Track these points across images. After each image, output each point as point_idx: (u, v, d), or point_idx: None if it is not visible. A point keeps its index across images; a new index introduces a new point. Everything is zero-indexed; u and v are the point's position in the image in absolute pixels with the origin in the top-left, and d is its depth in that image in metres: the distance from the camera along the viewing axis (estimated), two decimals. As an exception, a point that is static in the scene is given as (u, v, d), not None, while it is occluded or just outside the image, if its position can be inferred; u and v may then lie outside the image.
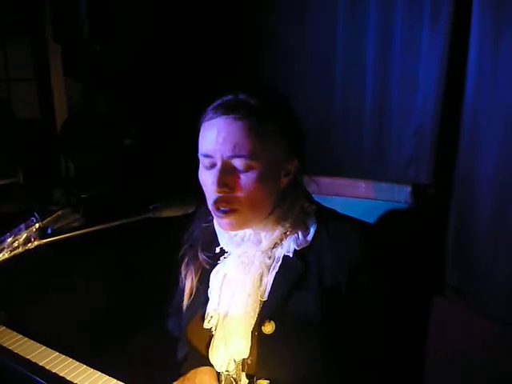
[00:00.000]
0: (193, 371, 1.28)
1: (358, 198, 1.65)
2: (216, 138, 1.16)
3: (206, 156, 1.19)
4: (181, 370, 1.33)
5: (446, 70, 2.35)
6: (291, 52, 2.85)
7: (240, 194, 1.17)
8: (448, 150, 2.38)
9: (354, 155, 2.66)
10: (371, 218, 1.55)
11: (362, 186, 1.66)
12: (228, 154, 1.15)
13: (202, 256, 1.31)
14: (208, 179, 1.19)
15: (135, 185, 3.16)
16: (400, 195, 1.55)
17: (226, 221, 1.20)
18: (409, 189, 1.53)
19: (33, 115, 3.78)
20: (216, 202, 1.18)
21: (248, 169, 1.16)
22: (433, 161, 2.45)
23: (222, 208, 1.18)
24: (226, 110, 1.17)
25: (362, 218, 1.47)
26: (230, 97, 1.20)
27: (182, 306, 1.34)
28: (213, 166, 1.18)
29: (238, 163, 1.16)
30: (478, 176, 2.31)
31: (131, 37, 3.32)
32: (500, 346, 2.28)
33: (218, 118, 1.17)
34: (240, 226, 1.22)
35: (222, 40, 3.02)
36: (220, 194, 1.17)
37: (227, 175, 1.16)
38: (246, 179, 1.16)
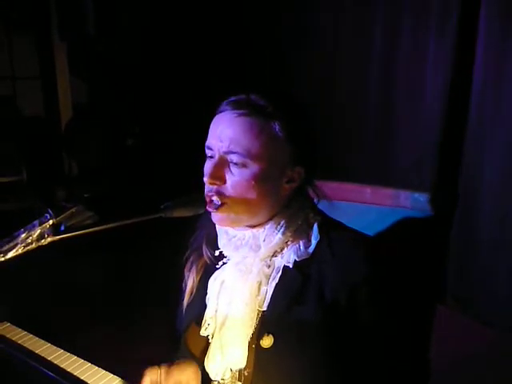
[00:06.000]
0: (181, 360, 1.26)
1: (364, 204, 1.66)
2: (217, 131, 1.18)
3: (208, 148, 1.20)
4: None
5: (451, 77, 2.37)
6: (292, 59, 2.86)
7: (230, 189, 1.17)
8: (452, 158, 2.39)
9: (357, 160, 2.67)
10: (376, 224, 1.56)
11: (368, 192, 1.67)
12: (224, 148, 1.16)
13: (205, 251, 1.30)
14: (205, 170, 1.20)
15: (137, 185, 3.16)
16: (406, 201, 1.56)
17: (216, 214, 1.20)
18: (416, 195, 1.53)
19: (37, 113, 3.79)
20: (208, 193, 1.19)
21: (243, 166, 1.16)
22: (436, 168, 2.46)
23: (213, 199, 1.18)
24: (234, 105, 1.18)
25: (366, 224, 1.47)
26: (243, 95, 1.20)
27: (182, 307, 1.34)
28: (212, 157, 1.20)
29: (234, 159, 1.16)
30: (480, 186, 2.32)
31: (136, 36, 3.32)
32: (501, 353, 2.29)
33: (225, 112, 1.19)
34: (231, 222, 1.21)
35: (226, 42, 3.02)
36: (211, 186, 1.18)
37: (221, 169, 1.17)
38: (239, 176, 1.16)
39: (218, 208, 1.18)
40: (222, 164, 1.17)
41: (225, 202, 1.17)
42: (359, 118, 2.63)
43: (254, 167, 1.16)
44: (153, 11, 3.26)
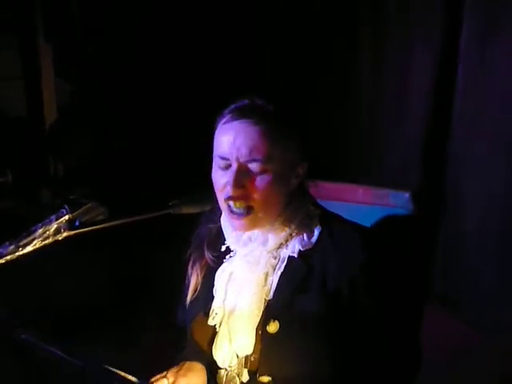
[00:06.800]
0: (186, 363, 1.31)
1: (355, 203, 1.71)
2: (233, 141, 1.22)
3: (222, 158, 1.24)
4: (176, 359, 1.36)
5: (435, 85, 2.44)
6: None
7: (254, 195, 1.22)
8: (438, 159, 2.46)
9: (344, 160, 2.72)
10: (367, 223, 1.61)
11: (360, 192, 1.72)
12: (244, 157, 1.21)
13: (208, 255, 1.35)
14: (222, 179, 1.24)
15: (127, 186, 3.17)
16: (397, 200, 1.61)
17: (240, 222, 1.25)
18: (406, 195, 1.59)
19: (21, 114, 3.77)
20: (229, 201, 1.23)
21: (263, 171, 1.22)
22: (422, 168, 2.53)
23: (235, 209, 1.23)
24: (242, 113, 1.23)
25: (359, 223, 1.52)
26: (246, 101, 1.26)
27: (186, 303, 1.39)
28: (228, 167, 1.24)
29: (253, 166, 1.21)
30: (465, 186, 2.40)
31: (124, 37, 3.32)
32: (485, 353, 2.34)
33: (234, 122, 1.23)
34: (253, 226, 1.27)
35: (218, 41, 3.03)
36: (235, 194, 1.22)
37: (243, 177, 1.22)
38: (261, 181, 1.22)
39: (244, 216, 1.23)
40: (243, 172, 1.22)
41: (251, 206, 1.23)
42: (349, 120, 2.69)
43: (272, 171, 1.22)
44: (143, 10, 3.24)
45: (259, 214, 1.24)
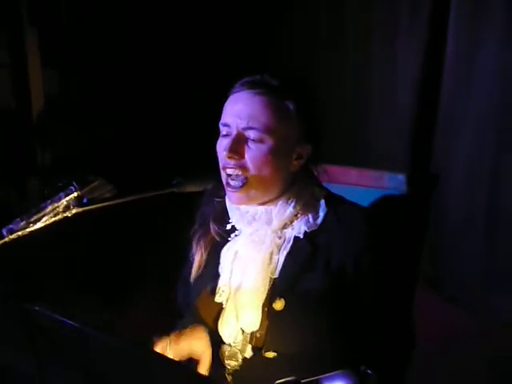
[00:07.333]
0: (189, 327, 1.32)
1: (350, 185, 1.74)
2: (235, 109, 1.28)
3: (224, 125, 1.30)
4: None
5: (422, 74, 2.47)
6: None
7: (248, 163, 1.26)
8: (424, 146, 2.50)
9: (332, 147, 2.74)
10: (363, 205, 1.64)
11: (355, 174, 1.75)
12: (243, 125, 1.26)
13: (213, 227, 1.38)
14: (222, 146, 1.29)
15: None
16: (392, 182, 1.65)
17: (236, 194, 1.28)
18: (401, 176, 1.62)
19: (7, 102, 3.73)
20: (225, 168, 1.28)
21: (260, 141, 1.26)
22: (408, 155, 2.57)
23: (231, 182, 1.27)
24: (250, 85, 1.28)
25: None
26: (258, 76, 1.30)
27: (189, 280, 1.41)
28: (229, 134, 1.29)
29: (251, 135, 1.26)
30: (450, 173, 2.44)
31: (112, 23, 3.30)
32: (468, 332, 2.40)
33: (241, 92, 1.29)
34: (249, 199, 1.30)
35: (207, 28, 3.03)
36: (230, 160, 1.26)
37: (239, 144, 1.26)
38: (257, 150, 1.26)
39: (238, 189, 1.27)
40: (240, 140, 1.27)
41: (245, 176, 1.26)
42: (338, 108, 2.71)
43: (269, 142, 1.26)
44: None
45: (253, 187, 1.27)
